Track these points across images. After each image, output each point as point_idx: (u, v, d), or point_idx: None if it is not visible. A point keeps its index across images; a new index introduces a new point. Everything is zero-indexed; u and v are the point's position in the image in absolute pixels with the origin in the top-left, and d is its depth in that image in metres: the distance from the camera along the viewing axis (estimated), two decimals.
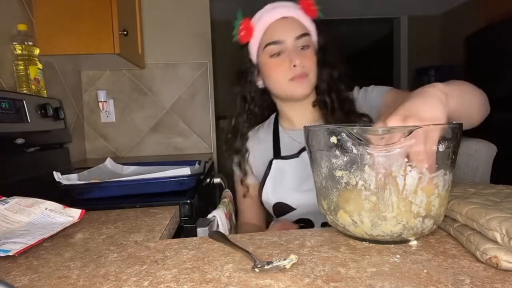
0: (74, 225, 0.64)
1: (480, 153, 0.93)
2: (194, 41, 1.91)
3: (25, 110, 1.07)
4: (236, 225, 1.00)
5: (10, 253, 0.49)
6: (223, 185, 1.28)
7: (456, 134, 0.47)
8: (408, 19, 3.95)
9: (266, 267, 0.42)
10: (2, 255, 0.49)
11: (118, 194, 0.81)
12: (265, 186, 0.90)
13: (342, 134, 0.47)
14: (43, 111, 1.17)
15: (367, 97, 0.88)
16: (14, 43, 1.16)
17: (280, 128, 0.96)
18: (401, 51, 4.02)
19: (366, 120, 0.87)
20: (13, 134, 1.01)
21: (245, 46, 0.89)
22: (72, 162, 1.51)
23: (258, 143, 0.97)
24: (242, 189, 1.00)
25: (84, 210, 0.67)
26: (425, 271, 0.41)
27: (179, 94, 1.93)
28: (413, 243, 0.50)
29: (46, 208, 0.65)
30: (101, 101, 1.82)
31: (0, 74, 1.12)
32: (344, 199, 0.50)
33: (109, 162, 1.05)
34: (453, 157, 0.48)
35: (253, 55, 0.89)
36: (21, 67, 1.17)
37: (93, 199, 0.80)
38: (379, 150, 0.45)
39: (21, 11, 1.27)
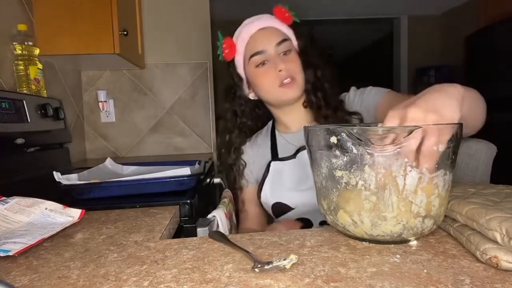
0: (74, 225, 0.64)
1: (480, 153, 0.93)
2: (194, 41, 1.91)
3: (25, 110, 1.07)
4: (236, 228, 1.00)
5: (10, 253, 0.49)
6: (223, 185, 1.28)
7: (456, 134, 0.47)
8: (408, 19, 3.95)
9: (266, 267, 0.42)
10: (2, 255, 0.49)
11: (118, 194, 0.81)
12: (263, 188, 0.92)
13: (342, 134, 0.47)
14: (43, 111, 1.17)
15: (364, 98, 0.90)
16: (14, 43, 1.16)
17: (276, 132, 0.99)
18: (401, 51, 4.02)
19: (357, 118, 0.89)
20: (13, 134, 1.01)
21: (231, 63, 0.93)
22: (72, 162, 1.51)
23: (257, 149, 0.99)
24: (241, 198, 1.01)
25: (84, 210, 0.67)
26: (425, 271, 0.41)
27: (179, 94, 1.93)
28: (413, 243, 0.50)
29: (46, 208, 0.65)
30: (101, 101, 1.82)
31: (0, 74, 1.12)
32: (344, 199, 0.50)
33: (109, 162, 1.05)
34: (453, 157, 0.48)
35: (240, 69, 0.93)
36: (21, 67, 1.17)
37: (93, 199, 0.80)
38: (380, 150, 0.45)
39: (21, 11, 1.27)
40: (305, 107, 0.93)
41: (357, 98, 0.92)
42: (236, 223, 1.02)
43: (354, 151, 0.47)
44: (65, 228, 0.61)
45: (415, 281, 0.39)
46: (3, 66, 1.14)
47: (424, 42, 3.94)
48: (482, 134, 0.88)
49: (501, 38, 2.56)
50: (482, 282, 0.38)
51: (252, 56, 0.87)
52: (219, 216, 0.81)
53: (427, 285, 0.38)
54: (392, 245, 0.49)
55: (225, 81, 0.99)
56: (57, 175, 0.80)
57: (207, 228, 0.72)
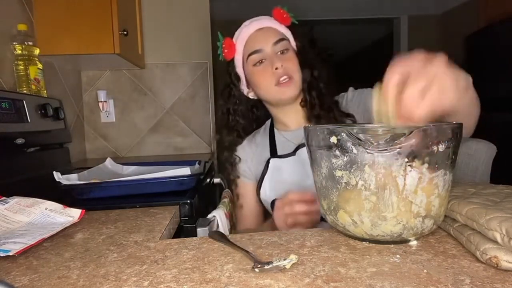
0: (74, 225, 0.64)
1: (480, 153, 0.93)
2: (194, 41, 1.91)
3: (25, 110, 1.07)
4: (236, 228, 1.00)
5: (10, 253, 0.49)
6: (223, 185, 1.28)
7: (456, 134, 0.47)
8: (408, 19, 3.95)
9: (266, 267, 0.42)
10: (2, 255, 0.49)
11: (118, 194, 0.81)
12: (263, 184, 0.93)
13: (342, 134, 0.47)
14: (43, 111, 1.17)
15: (362, 98, 0.92)
16: (14, 43, 1.16)
17: (275, 130, 1.00)
18: (401, 51, 4.02)
19: (350, 120, 0.91)
20: (13, 134, 1.01)
21: (231, 62, 0.96)
22: (72, 162, 1.51)
23: (256, 147, 1.00)
24: (238, 192, 1.02)
25: (84, 210, 0.67)
26: (425, 271, 0.41)
27: (179, 94, 1.93)
28: (413, 243, 0.50)
29: (46, 208, 0.65)
30: (101, 101, 1.82)
31: (0, 74, 1.12)
32: (344, 199, 0.50)
33: (109, 162, 1.05)
34: (453, 157, 0.48)
35: (239, 69, 0.95)
36: (21, 67, 1.17)
37: (93, 199, 0.80)
38: (379, 150, 0.45)
39: (21, 11, 1.27)
40: (302, 106, 0.94)
41: (355, 99, 0.94)
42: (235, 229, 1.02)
43: (354, 151, 0.47)
44: (65, 228, 0.61)
45: (415, 281, 0.39)
46: (3, 66, 1.14)
47: (424, 42, 3.93)
48: (482, 134, 0.88)
49: (501, 38, 2.56)
50: (482, 282, 0.38)
51: (250, 55, 0.89)
52: (219, 216, 0.81)
53: (427, 285, 0.38)
54: (392, 245, 0.49)
55: (224, 79, 1.01)
56: (57, 175, 0.80)
57: (207, 228, 0.72)
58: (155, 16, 1.86)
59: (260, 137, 1.01)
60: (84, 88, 1.85)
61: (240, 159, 0.99)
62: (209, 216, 0.80)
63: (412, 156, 0.45)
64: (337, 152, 0.49)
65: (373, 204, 0.47)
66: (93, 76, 1.86)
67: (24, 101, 1.08)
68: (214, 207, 0.88)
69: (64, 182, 0.79)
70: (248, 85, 0.96)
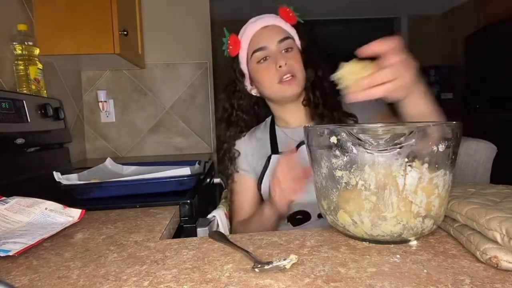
0: (74, 225, 0.64)
1: (480, 153, 0.93)
2: (194, 41, 1.91)
3: (25, 110, 1.07)
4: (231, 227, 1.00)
5: (10, 253, 0.49)
6: (223, 185, 1.28)
7: (456, 134, 0.47)
8: (408, 19, 3.95)
9: (266, 267, 0.42)
10: (2, 255, 0.49)
11: (118, 194, 0.81)
12: (263, 180, 0.93)
13: (342, 134, 0.47)
14: (43, 111, 1.17)
15: (366, 103, 0.91)
16: (14, 43, 1.16)
17: (276, 127, 1.00)
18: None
19: (352, 120, 0.92)
20: (13, 134, 1.01)
21: (235, 58, 0.96)
22: (72, 162, 1.51)
23: (256, 142, 1.00)
24: (234, 187, 1.01)
25: (84, 210, 0.67)
26: (425, 271, 0.41)
27: (179, 94, 1.93)
28: (413, 243, 0.50)
29: (46, 208, 0.65)
30: (101, 101, 1.82)
31: (0, 74, 1.12)
32: (344, 199, 0.50)
33: (109, 162, 1.05)
34: (453, 157, 0.48)
35: (244, 65, 0.95)
36: (21, 67, 1.17)
37: (93, 199, 0.80)
38: (379, 150, 0.45)
39: (21, 11, 1.27)
40: (304, 105, 0.94)
41: (360, 102, 0.93)
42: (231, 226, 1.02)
43: (354, 151, 0.47)
44: (65, 228, 0.61)
45: (415, 281, 0.39)
46: (3, 66, 1.14)
47: (424, 42, 3.94)
48: (482, 134, 0.88)
49: (501, 38, 2.56)
50: (482, 282, 0.38)
51: (254, 52, 0.89)
52: (219, 216, 0.81)
53: (427, 285, 0.38)
54: (392, 245, 0.49)
55: (228, 76, 1.01)
56: (57, 175, 0.80)
57: (207, 228, 0.72)
58: (155, 16, 1.86)
59: (261, 133, 1.01)
60: (84, 88, 1.85)
61: (239, 153, 0.99)
62: (209, 216, 0.80)
63: (412, 156, 0.45)
64: (337, 152, 0.49)
65: (373, 204, 0.47)
66: (93, 76, 1.86)
67: (24, 101, 1.08)
68: (214, 207, 0.88)
69: (64, 182, 0.79)
70: (252, 82, 0.96)
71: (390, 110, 0.86)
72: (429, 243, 0.50)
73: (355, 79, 0.54)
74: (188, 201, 0.78)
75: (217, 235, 0.55)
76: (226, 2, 3.34)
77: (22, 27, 1.17)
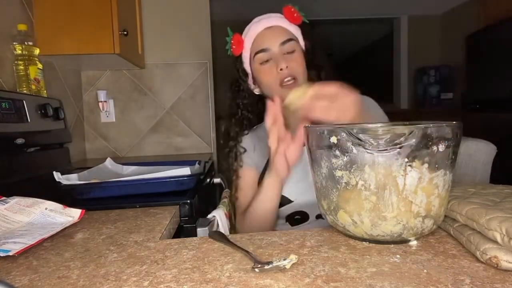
0: (74, 225, 0.64)
1: (480, 153, 0.93)
2: (194, 41, 1.91)
3: (25, 110, 1.07)
4: (235, 224, 1.00)
5: (10, 253, 0.49)
6: (223, 185, 1.28)
7: (456, 134, 0.47)
8: (408, 19, 3.95)
9: (266, 267, 0.42)
10: (2, 255, 0.49)
11: (118, 194, 0.81)
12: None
13: (342, 134, 0.47)
14: (43, 111, 1.17)
15: (369, 106, 0.92)
16: (14, 43, 1.16)
17: None
18: (401, 51, 4.02)
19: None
20: (13, 134, 1.01)
21: (238, 58, 0.96)
22: (72, 162, 1.51)
23: (258, 140, 1.00)
24: (238, 183, 1.00)
25: (84, 210, 0.67)
26: (425, 271, 0.41)
27: (179, 94, 1.93)
28: (413, 243, 0.50)
29: (46, 208, 0.65)
30: (101, 101, 1.82)
31: (0, 74, 1.12)
32: (344, 199, 0.50)
33: (109, 162, 1.05)
34: (453, 157, 0.48)
35: (247, 65, 0.96)
36: (21, 67, 1.17)
37: (93, 199, 0.80)
38: (379, 150, 0.45)
39: (21, 11, 1.27)
40: None
41: (372, 112, 0.93)
42: (235, 221, 1.02)
43: (354, 151, 0.47)
44: (65, 228, 0.61)
45: (415, 281, 0.39)
46: (3, 66, 1.14)
47: (424, 42, 3.94)
48: (482, 134, 0.88)
49: (501, 38, 2.56)
50: (482, 282, 0.38)
51: (257, 53, 0.89)
52: (219, 216, 0.81)
53: (427, 285, 0.38)
54: (392, 245, 0.49)
55: (230, 75, 1.02)
56: (57, 175, 0.80)
57: (207, 228, 0.72)
58: (155, 16, 1.86)
59: (263, 131, 1.01)
60: (84, 88, 1.85)
61: (245, 150, 0.99)
62: (209, 216, 0.80)
63: (412, 156, 0.46)
64: (337, 152, 0.49)
65: (373, 204, 0.47)
66: (93, 76, 1.86)
67: (24, 101, 1.08)
68: (214, 207, 0.88)
69: (64, 182, 0.79)
70: (254, 81, 0.97)
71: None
72: (429, 243, 0.50)
73: (301, 103, 0.66)
74: (188, 201, 0.78)
75: (217, 235, 0.55)
76: (226, 2, 3.34)
77: (22, 27, 1.17)
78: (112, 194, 0.81)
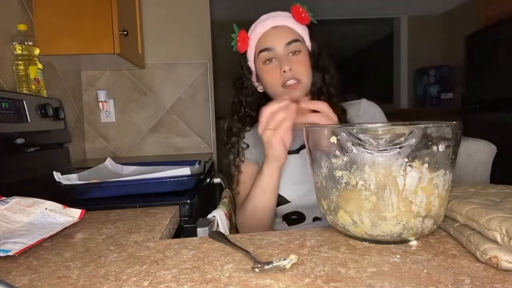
0: (74, 225, 0.64)
1: (480, 153, 0.93)
2: (194, 41, 1.91)
3: (25, 110, 1.07)
4: (235, 219, 0.99)
5: (10, 253, 0.49)
6: (223, 185, 1.28)
7: (456, 134, 0.47)
8: (408, 19, 3.95)
9: (266, 267, 0.42)
10: (2, 255, 0.49)
11: (118, 194, 0.81)
12: None
13: (342, 134, 0.47)
14: (43, 111, 1.17)
15: (375, 116, 0.93)
16: (14, 43, 1.16)
17: None
18: (401, 51, 4.03)
19: None
20: (13, 134, 1.01)
21: (243, 55, 0.95)
22: (72, 162, 1.51)
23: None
24: (240, 178, 1.00)
25: (84, 210, 0.67)
26: (425, 271, 0.41)
27: (179, 94, 1.93)
28: (413, 243, 0.50)
29: (46, 208, 0.64)
30: (101, 101, 1.82)
31: (0, 74, 1.12)
32: (344, 199, 0.50)
33: (109, 162, 1.05)
34: (453, 157, 0.48)
35: (251, 62, 0.95)
36: (21, 67, 1.17)
37: (93, 199, 0.80)
38: (379, 150, 0.45)
39: (21, 11, 1.27)
40: None
41: (370, 113, 0.94)
42: (235, 219, 1.01)
43: (354, 151, 0.47)
44: (65, 228, 0.61)
45: (415, 281, 0.39)
46: (3, 66, 1.14)
47: (424, 42, 3.94)
48: (482, 134, 0.88)
49: (501, 38, 2.56)
50: (482, 282, 0.38)
51: (261, 51, 0.88)
52: (219, 216, 0.81)
53: (427, 285, 0.38)
54: (392, 245, 0.49)
55: (231, 74, 1.01)
56: (57, 175, 0.80)
57: (207, 228, 0.72)
58: (155, 16, 1.86)
59: None
60: (84, 88, 1.85)
61: (248, 145, 0.99)
62: (209, 216, 0.80)
63: (412, 156, 0.46)
64: (337, 152, 0.49)
65: (373, 204, 0.47)
66: (93, 76, 1.86)
67: (24, 101, 1.08)
68: (214, 207, 0.88)
69: (64, 182, 0.79)
70: (258, 79, 0.96)
71: None
72: (429, 243, 0.50)
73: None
74: (188, 201, 0.78)
75: (217, 235, 0.55)
76: (226, 2, 3.34)
77: (22, 27, 1.17)
78: (112, 194, 0.81)
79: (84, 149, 1.86)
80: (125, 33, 1.40)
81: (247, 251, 0.47)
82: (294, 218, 0.91)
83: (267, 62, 0.88)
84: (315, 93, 0.91)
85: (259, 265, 0.42)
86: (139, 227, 0.62)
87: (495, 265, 0.41)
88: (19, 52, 1.16)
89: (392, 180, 0.46)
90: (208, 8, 1.92)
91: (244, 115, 0.99)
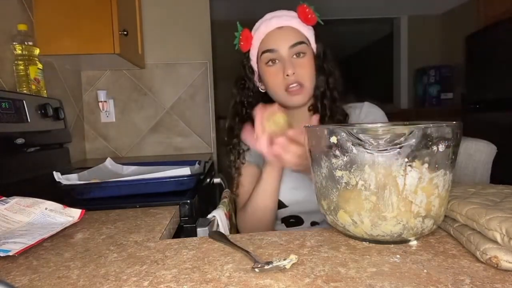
0: (74, 225, 0.64)
1: (480, 153, 0.93)
2: (194, 41, 1.91)
3: (25, 110, 1.07)
4: (236, 227, 1.00)
5: (10, 253, 0.49)
6: (223, 185, 1.28)
7: (456, 134, 0.47)
8: (408, 19, 3.95)
9: (266, 267, 0.42)
10: (2, 255, 0.49)
11: (118, 194, 0.81)
12: None
13: (342, 134, 0.47)
14: (43, 111, 1.17)
15: (376, 117, 0.91)
16: (14, 43, 1.16)
17: None
18: (401, 51, 4.02)
19: None
20: (13, 134, 1.01)
21: (246, 54, 0.93)
22: (72, 162, 1.51)
23: None
24: (240, 180, 0.99)
25: (84, 210, 0.67)
26: (425, 271, 0.41)
27: (179, 94, 1.93)
28: (413, 243, 0.50)
29: (46, 208, 0.65)
30: (101, 101, 1.82)
31: (0, 74, 1.12)
32: (344, 199, 0.50)
33: (109, 162, 1.05)
34: (453, 157, 0.48)
35: (254, 62, 0.93)
36: (21, 67, 1.17)
37: (93, 199, 0.80)
38: (379, 150, 0.45)
39: (21, 11, 1.27)
40: (309, 110, 0.92)
41: (371, 117, 0.92)
42: (236, 219, 1.01)
43: (354, 151, 0.47)
44: (65, 228, 0.61)
45: (415, 281, 0.39)
46: (3, 66, 1.14)
47: (424, 42, 3.94)
48: (482, 134, 0.88)
49: (501, 38, 2.56)
50: (482, 282, 0.38)
51: (264, 52, 0.86)
52: (219, 216, 0.81)
53: (427, 285, 0.38)
54: (392, 245, 0.49)
55: (231, 74, 1.00)
56: (57, 175, 0.80)
57: (207, 228, 0.72)
58: (155, 16, 1.86)
59: None
60: (84, 88, 1.85)
61: (248, 147, 0.98)
62: (209, 216, 0.80)
63: (412, 156, 0.45)
64: (337, 152, 0.49)
65: (373, 204, 0.47)
66: (93, 76, 1.86)
67: (24, 101, 1.08)
68: (214, 207, 0.88)
69: (64, 182, 0.79)
70: (260, 79, 0.94)
71: None
72: (429, 243, 0.50)
73: (273, 130, 0.73)
74: (188, 201, 0.78)
75: (217, 235, 0.55)
76: (226, 2, 3.34)
77: (22, 27, 1.17)
78: (112, 194, 0.81)
79: (84, 149, 1.86)
80: (125, 33, 1.40)
81: (247, 251, 0.47)
82: (293, 221, 0.91)
83: (270, 63, 0.85)
84: (318, 97, 0.89)
85: (259, 265, 0.42)
86: (139, 227, 0.62)
87: (495, 265, 0.41)
88: (19, 52, 1.16)
89: (392, 180, 0.46)
90: (208, 8, 1.92)
91: (246, 115, 0.97)
